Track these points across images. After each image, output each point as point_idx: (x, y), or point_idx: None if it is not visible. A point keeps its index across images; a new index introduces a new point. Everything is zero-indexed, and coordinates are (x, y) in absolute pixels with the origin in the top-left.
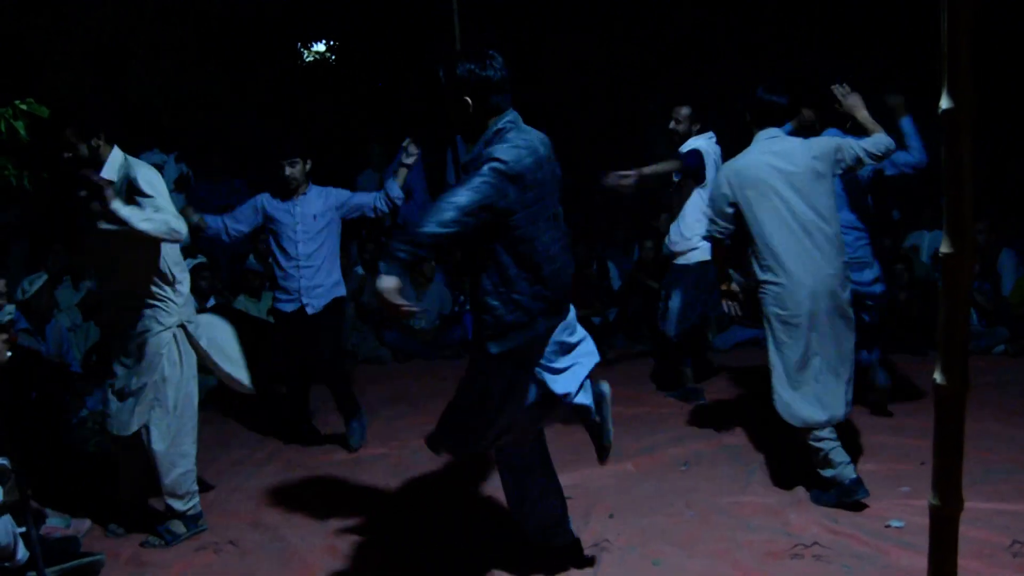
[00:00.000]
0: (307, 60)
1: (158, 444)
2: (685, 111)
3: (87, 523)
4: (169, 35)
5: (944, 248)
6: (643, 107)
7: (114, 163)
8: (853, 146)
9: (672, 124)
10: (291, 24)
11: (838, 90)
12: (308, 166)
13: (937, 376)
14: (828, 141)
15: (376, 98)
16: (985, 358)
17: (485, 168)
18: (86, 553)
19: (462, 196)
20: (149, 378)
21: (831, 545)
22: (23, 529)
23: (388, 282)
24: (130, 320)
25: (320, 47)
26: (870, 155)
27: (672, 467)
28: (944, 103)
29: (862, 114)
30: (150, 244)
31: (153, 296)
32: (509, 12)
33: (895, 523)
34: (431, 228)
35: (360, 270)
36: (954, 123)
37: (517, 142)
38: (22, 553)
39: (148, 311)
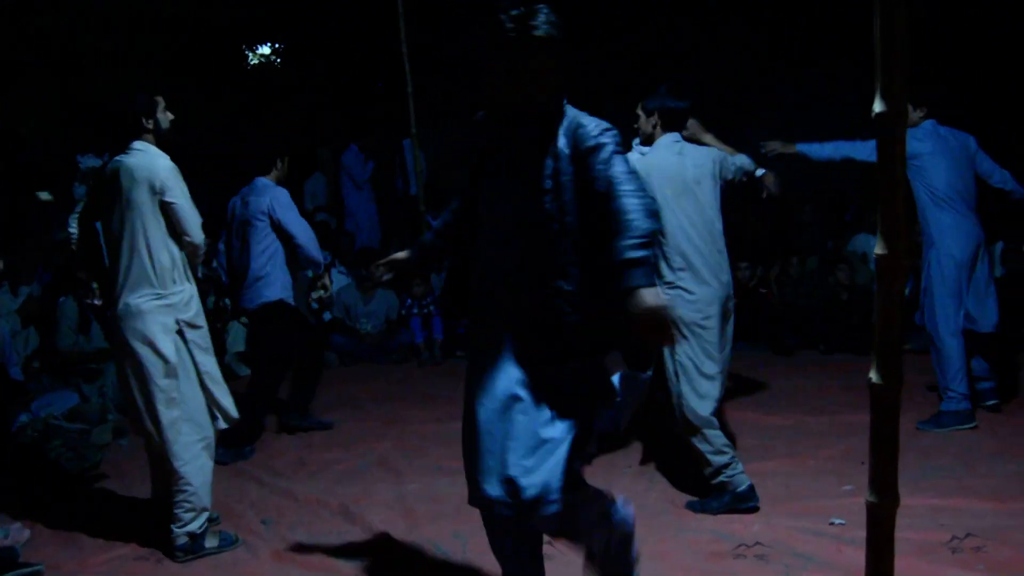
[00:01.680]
0: (252, 63)
1: None
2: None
3: (26, 533)
4: (119, 41)
5: (878, 250)
6: (601, 109)
7: None
8: (733, 161)
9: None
10: (236, 27)
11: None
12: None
13: (873, 375)
14: (717, 152)
15: (324, 101)
16: (924, 358)
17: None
18: (25, 564)
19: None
20: None
21: (773, 544)
22: None
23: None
24: None
25: (265, 50)
26: (744, 172)
27: (616, 470)
28: (877, 107)
29: (708, 137)
30: None
31: None
32: (468, 19)
33: (837, 521)
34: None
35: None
36: (887, 127)
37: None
38: None
39: None
